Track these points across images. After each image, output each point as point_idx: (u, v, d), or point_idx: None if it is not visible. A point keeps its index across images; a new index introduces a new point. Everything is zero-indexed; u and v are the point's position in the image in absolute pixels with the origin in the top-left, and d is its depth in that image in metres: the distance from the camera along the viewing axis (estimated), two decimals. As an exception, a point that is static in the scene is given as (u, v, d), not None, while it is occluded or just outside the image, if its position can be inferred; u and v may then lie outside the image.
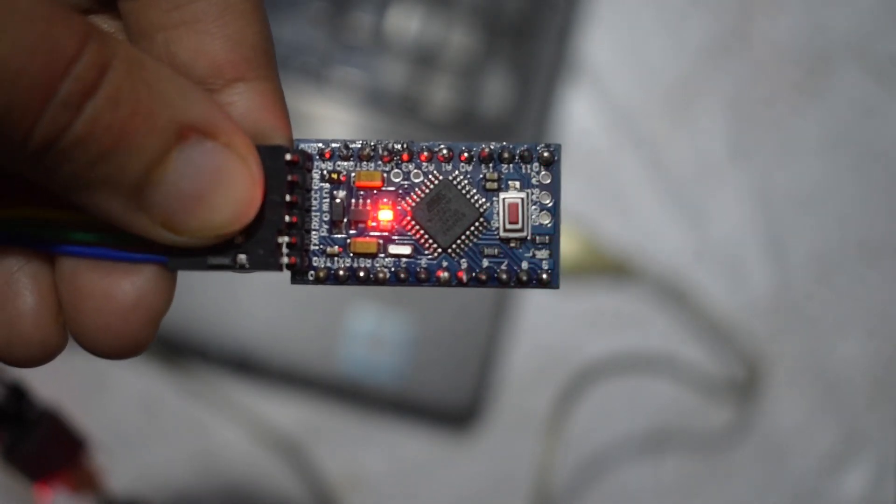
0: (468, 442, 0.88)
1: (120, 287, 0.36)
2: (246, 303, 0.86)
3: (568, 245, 0.87)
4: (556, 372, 0.88)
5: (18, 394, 0.57)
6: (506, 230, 0.38)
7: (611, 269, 0.88)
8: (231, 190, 0.34)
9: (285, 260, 0.37)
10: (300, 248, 0.37)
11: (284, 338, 0.86)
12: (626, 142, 0.90)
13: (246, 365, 0.86)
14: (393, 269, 0.38)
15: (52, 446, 0.58)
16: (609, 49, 0.91)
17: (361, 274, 0.38)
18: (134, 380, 0.86)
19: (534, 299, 0.88)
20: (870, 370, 0.89)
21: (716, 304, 0.89)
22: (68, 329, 0.37)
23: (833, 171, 0.91)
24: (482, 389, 0.87)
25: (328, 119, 0.88)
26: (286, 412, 0.87)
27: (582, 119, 0.91)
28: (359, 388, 0.87)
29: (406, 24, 0.89)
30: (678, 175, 0.90)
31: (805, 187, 0.91)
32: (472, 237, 0.38)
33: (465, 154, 0.38)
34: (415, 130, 0.88)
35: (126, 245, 0.35)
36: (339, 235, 0.38)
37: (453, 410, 0.87)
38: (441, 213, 0.38)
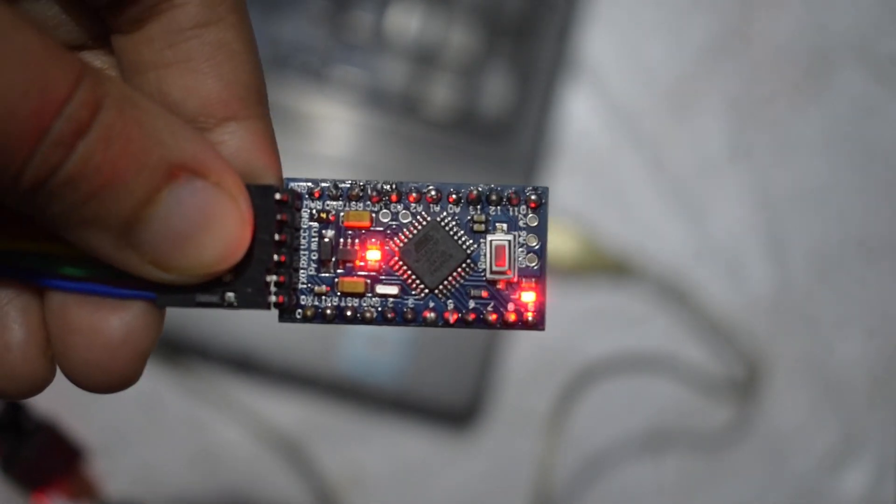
0: (468, 442, 0.88)
1: (108, 323, 0.36)
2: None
3: (568, 244, 0.87)
4: (556, 372, 0.88)
5: (15, 406, 0.57)
6: (492, 272, 0.38)
7: (611, 268, 0.88)
8: (220, 229, 0.34)
9: (273, 299, 0.37)
10: (288, 287, 0.37)
11: (285, 337, 0.86)
12: (626, 141, 0.90)
13: (246, 364, 0.86)
14: (380, 309, 0.38)
15: (49, 456, 0.58)
16: (609, 49, 0.91)
17: (349, 313, 0.38)
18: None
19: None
20: (870, 370, 0.89)
21: (716, 304, 0.89)
22: (57, 363, 0.37)
23: (833, 170, 0.91)
24: (482, 389, 0.87)
25: (328, 118, 0.88)
26: (286, 411, 0.87)
27: (582, 118, 0.91)
28: (359, 387, 0.87)
29: (406, 23, 0.89)
30: (678, 174, 0.90)
31: (805, 186, 0.91)
32: (459, 278, 0.38)
33: (454, 195, 0.38)
34: (415, 130, 0.88)
35: (115, 281, 0.35)
36: (327, 275, 0.38)
37: (453, 410, 0.87)
38: (428, 253, 0.38)
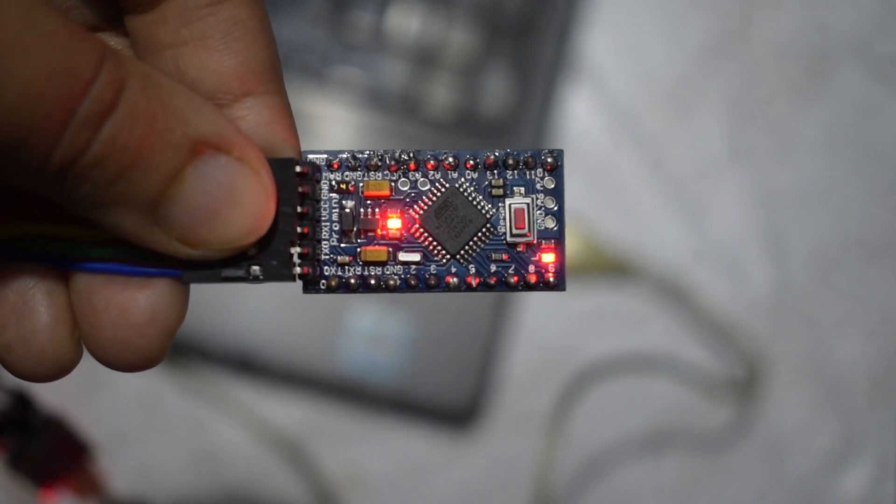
0: (468, 442, 0.88)
1: (135, 301, 0.36)
2: (247, 302, 0.86)
3: (568, 244, 0.87)
4: (556, 372, 0.88)
5: (24, 402, 0.57)
6: (512, 235, 0.38)
7: (611, 268, 0.88)
8: (245, 203, 0.35)
9: (298, 270, 0.37)
10: (312, 259, 0.38)
11: (285, 337, 0.86)
12: (626, 141, 0.91)
13: (246, 364, 0.86)
14: (403, 277, 0.38)
15: (56, 452, 0.58)
16: (609, 49, 0.91)
17: (372, 282, 0.38)
18: (134, 379, 0.85)
19: (534, 299, 0.88)
20: (870, 370, 0.89)
21: (716, 304, 0.89)
22: (84, 344, 0.37)
23: (833, 170, 0.91)
24: (482, 389, 0.87)
25: (328, 118, 0.88)
26: (286, 411, 0.87)
27: (582, 118, 0.91)
28: (359, 387, 0.87)
29: (406, 23, 0.89)
30: (678, 174, 0.90)
31: (805, 186, 0.91)
32: (479, 243, 0.38)
33: (471, 161, 0.39)
34: (415, 130, 0.88)
35: (140, 260, 0.36)
36: (349, 245, 0.39)
37: (453, 410, 0.87)
38: (449, 220, 0.38)
